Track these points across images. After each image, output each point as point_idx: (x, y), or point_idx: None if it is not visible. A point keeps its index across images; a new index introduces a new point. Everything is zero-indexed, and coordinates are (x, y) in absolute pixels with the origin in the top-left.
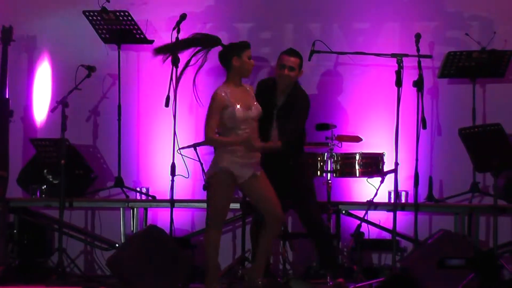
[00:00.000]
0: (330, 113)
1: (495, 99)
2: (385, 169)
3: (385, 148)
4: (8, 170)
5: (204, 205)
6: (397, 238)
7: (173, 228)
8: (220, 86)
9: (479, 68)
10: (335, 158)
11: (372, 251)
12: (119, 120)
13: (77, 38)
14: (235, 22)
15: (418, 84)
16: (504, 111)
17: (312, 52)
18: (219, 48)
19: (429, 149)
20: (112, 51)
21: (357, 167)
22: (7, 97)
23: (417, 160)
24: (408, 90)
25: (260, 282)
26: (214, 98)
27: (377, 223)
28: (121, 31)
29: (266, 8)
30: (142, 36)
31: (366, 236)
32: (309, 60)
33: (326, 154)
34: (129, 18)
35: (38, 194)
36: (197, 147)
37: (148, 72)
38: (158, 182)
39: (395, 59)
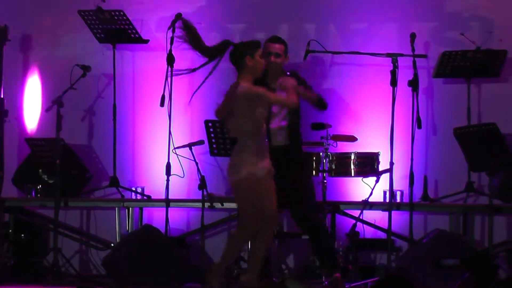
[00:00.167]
0: (325, 113)
1: (490, 98)
2: (380, 168)
3: (380, 148)
4: (3, 170)
5: (199, 204)
6: (392, 237)
7: (168, 227)
8: (242, 82)
9: (474, 67)
10: (331, 158)
11: (367, 251)
12: (114, 119)
13: (72, 38)
14: (228, 22)
15: (413, 84)
16: (499, 110)
17: (307, 51)
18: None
19: (424, 149)
20: (107, 51)
21: (352, 166)
22: (1, 96)
23: (412, 159)
24: (403, 90)
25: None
26: (252, 87)
27: (372, 222)
28: (116, 31)
29: (260, 9)
30: (137, 35)
31: (361, 236)
32: (304, 59)
33: (321, 153)
34: (124, 17)
35: (33, 193)
36: (192, 147)
37: (143, 72)
38: (153, 181)
39: (390, 59)
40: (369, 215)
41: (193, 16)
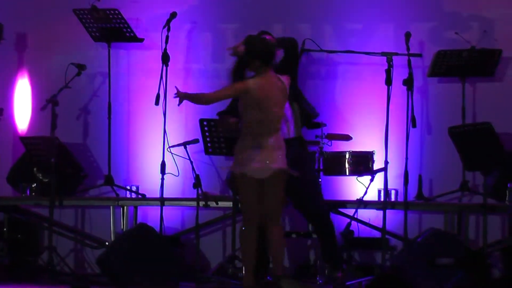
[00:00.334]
0: (320, 112)
1: (485, 98)
2: (375, 167)
3: (375, 147)
4: None
5: (194, 203)
6: (387, 236)
7: (163, 226)
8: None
9: (469, 67)
10: (325, 157)
11: (361, 250)
12: (109, 118)
13: (67, 37)
14: (222, 22)
15: (408, 83)
16: (494, 110)
17: (302, 50)
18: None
19: (419, 148)
20: (102, 50)
21: (347, 165)
22: None
23: (407, 158)
24: (398, 89)
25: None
26: None
27: (367, 221)
28: (111, 30)
29: (255, 8)
30: (132, 34)
31: (356, 235)
32: (299, 58)
33: (316, 152)
34: (119, 16)
35: (28, 192)
36: (187, 146)
37: (138, 71)
38: (148, 180)
39: (385, 58)
40: (364, 214)
41: (187, 15)
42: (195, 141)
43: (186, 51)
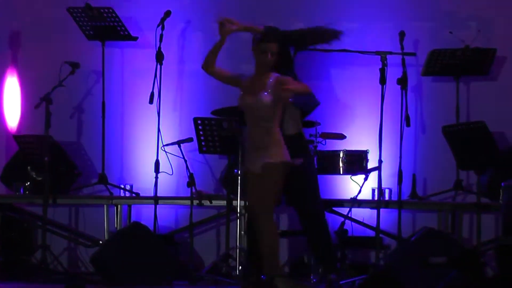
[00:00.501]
0: (314, 111)
1: (479, 97)
2: (369, 166)
3: (369, 146)
4: None
5: (188, 202)
6: (381, 235)
7: (156, 225)
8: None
9: (463, 66)
10: (319, 156)
11: (355, 249)
12: (103, 117)
13: (61, 35)
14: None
15: (402, 82)
16: (488, 109)
17: (297, 49)
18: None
19: (413, 147)
20: (96, 48)
21: (341, 164)
22: None
23: (400, 157)
24: (392, 88)
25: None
26: None
27: (361, 220)
28: (105, 28)
29: (249, 7)
30: (126, 33)
31: (349, 234)
32: (294, 58)
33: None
34: (113, 14)
35: (21, 191)
36: (181, 144)
37: (132, 69)
38: (142, 179)
39: (379, 57)
40: (358, 213)
41: (181, 13)
42: (189, 139)
43: (180, 50)
